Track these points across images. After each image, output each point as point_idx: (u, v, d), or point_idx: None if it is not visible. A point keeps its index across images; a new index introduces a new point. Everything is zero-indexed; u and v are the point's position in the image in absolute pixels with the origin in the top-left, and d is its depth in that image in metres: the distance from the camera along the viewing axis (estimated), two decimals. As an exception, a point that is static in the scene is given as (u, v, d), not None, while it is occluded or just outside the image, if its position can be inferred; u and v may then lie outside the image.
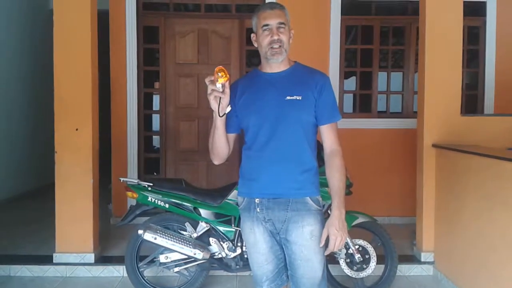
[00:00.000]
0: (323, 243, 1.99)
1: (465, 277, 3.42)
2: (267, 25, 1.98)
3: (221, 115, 1.95)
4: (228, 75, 1.87)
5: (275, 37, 1.96)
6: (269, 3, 2.04)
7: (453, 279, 3.60)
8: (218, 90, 1.89)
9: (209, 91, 1.91)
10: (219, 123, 1.99)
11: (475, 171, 3.25)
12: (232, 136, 2.12)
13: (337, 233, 1.95)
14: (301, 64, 2.13)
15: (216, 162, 2.15)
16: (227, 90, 1.91)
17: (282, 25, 1.98)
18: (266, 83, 2.05)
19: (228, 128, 2.06)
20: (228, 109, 1.96)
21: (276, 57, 1.99)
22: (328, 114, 2.03)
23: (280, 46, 1.97)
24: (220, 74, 1.85)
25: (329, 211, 3.35)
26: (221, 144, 2.06)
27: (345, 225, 1.98)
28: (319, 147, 2.14)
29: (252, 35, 2.10)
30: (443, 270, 3.80)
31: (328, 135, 2.06)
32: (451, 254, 3.65)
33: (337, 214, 1.97)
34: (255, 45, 2.08)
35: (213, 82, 1.89)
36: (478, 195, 3.19)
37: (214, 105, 1.93)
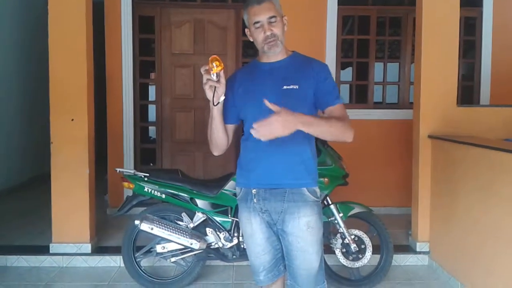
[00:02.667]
0: None
1: (460, 267, 3.45)
2: (258, 22, 1.97)
3: (215, 104, 1.95)
4: (222, 65, 1.87)
5: (268, 33, 1.95)
6: None
7: (448, 269, 3.63)
8: (213, 79, 1.89)
9: (204, 80, 1.90)
10: (216, 113, 1.99)
11: (470, 162, 3.27)
12: (231, 127, 2.12)
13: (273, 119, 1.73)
14: (299, 54, 2.12)
15: (215, 153, 2.15)
16: (222, 80, 1.91)
17: (273, 19, 1.96)
18: (263, 73, 2.05)
19: (226, 119, 2.06)
20: (222, 98, 1.95)
21: (273, 49, 1.99)
22: (328, 97, 1.98)
23: (274, 39, 1.97)
24: (214, 64, 1.84)
25: (325, 201, 3.37)
26: (219, 135, 2.06)
27: (287, 124, 1.73)
28: (316, 138, 2.14)
29: (246, 29, 2.09)
30: (438, 260, 3.83)
31: (334, 113, 1.95)
32: (446, 244, 3.68)
33: (290, 112, 1.75)
34: (251, 39, 2.08)
35: (208, 72, 1.88)
36: (473, 186, 3.21)
37: (209, 94, 1.92)
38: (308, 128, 1.76)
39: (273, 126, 1.70)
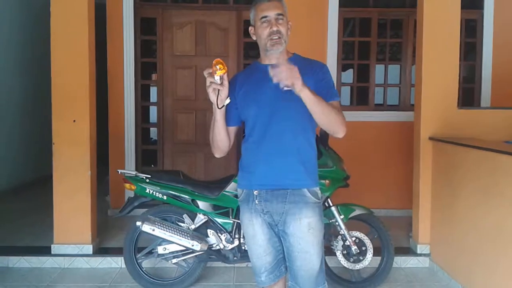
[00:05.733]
0: None
1: (460, 269, 3.45)
2: (265, 16, 1.99)
3: (219, 107, 1.96)
4: (226, 68, 1.88)
5: (274, 28, 1.97)
6: None
7: (449, 271, 3.63)
8: (217, 82, 1.90)
9: (207, 83, 1.91)
10: (219, 116, 2.00)
11: (471, 164, 3.27)
12: (232, 129, 2.13)
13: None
14: (299, 56, 2.14)
15: (217, 155, 2.16)
16: (226, 82, 1.92)
17: (281, 17, 1.99)
18: (264, 75, 2.03)
19: (228, 121, 2.08)
20: (227, 101, 1.97)
21: (276, 47, 2.00)
22: (325, 93, 1.97)
23: (279, 37, 1.98)
24: (218, 67, 1.86)
25: (326, 203, 3.37)
26: (221, 137, 2.07)
27: (295, 77, 1.77)
28: (317, 140, 2.15)
29: (250, 28, 2.11)
30: (439, 262, 3.83)
31: None
32: (447, 246, 3.68)
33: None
34: (254, 37, 2.09)
35: (211, 75, 1.89)
36: (474, 188, 3.21)
37: (213, 97, 1.94)
38: (311, 97, 1.80)
39: (294, 73, 1.75)
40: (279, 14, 1.98)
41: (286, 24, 2.02)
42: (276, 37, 1.97)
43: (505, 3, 5.39)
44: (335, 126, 1.92)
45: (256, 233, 2.09)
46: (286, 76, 1.74)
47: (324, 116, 1.88)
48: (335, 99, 2.02)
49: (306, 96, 1.79)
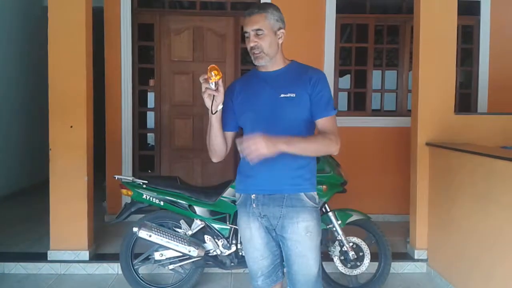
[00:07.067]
0: None
1: (458, 275, 3.45)
2: (246, 32, 2.03)
3: (213, 113, 1.98)
4: (221, 73, 1.90)
5: (251, 44, 2.00)
6: (250, 9, 2.05)
7: (446, 276, 3.63)
8: (212, 88, 1.92)
9: (203, 89, 1.93)
10: (214, 120, 2.02)
11: (468, 169, 3.28)
12: (230, 134, 2.15)
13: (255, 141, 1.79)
14: (297, 62, 2.15)
15: (214, 160, 2.17)
16: (221, 88, 1.94)
17: (259, 31, 1.99)
18: (261, 82, 2.08)
19: (225, 126, 2.10)
20: (220, 107, 1.99)
21: (258, 61, 2.03)
22: (322, 108, 2.02)
23: (259, 51, 2.00)
24: (213, 73, 1.88)
25: (323, 209, 3.37)
26: (217, 142, 2.08)
27: (270, 144, 1.79)
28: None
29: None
30: (436, 267, 3.83)
31: (324, 128, 2.03)
32: (444, 251, 3.68)
33: (269, 136, 1.82)
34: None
35: (207, 81, 1.91)
36: (471, 193, 3.21)
37: (208, 103, 1.96)
38: (289, 147, 1.85)
39: (259, 145, 1.77)
40: (257, 29, 1.99)
41: (269, 37, 2.00)
42: (257, 52, 2.00)
43: (501, 9, 5.42)
44: (326, 152, 2.02)
45: (253, 236, 2.10)
46: (252, 150, 1.77)
47: (312, 152, 2.01)
48: (331, 114, 2.03)
49: (285, 150, 1.85)
